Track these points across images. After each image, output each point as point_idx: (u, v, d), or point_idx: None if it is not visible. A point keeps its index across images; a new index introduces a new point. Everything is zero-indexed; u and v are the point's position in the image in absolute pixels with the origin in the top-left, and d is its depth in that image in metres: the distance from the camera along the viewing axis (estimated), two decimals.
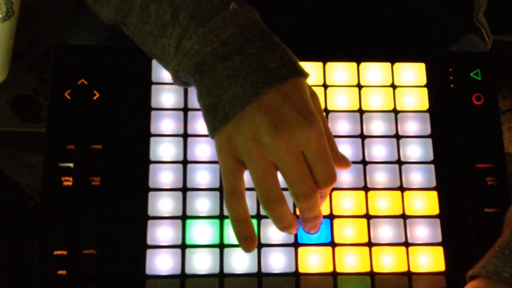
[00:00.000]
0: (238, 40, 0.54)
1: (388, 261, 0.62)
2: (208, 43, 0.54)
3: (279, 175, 0.54)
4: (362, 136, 0.66)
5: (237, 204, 0.55)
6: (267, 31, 0.56)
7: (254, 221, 0.62)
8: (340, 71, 0.67)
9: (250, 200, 0.62)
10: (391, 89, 0.67)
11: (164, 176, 0.63)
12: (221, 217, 0.62)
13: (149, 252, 0.60)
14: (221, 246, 0.61)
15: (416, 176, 0.65)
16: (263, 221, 0.62)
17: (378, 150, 0.65)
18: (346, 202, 0.63)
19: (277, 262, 0.61)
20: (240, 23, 0.54)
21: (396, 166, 0.65)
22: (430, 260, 0.62)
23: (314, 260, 0.61)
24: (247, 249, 0.55)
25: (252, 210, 0.62)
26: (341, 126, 0.66)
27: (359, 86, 0.67)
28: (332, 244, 0.62)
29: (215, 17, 0.54)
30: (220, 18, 0.54)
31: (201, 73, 0.54)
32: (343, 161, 0.59)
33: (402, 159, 0.65)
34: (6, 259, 1.26)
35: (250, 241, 0.55)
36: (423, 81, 0.68)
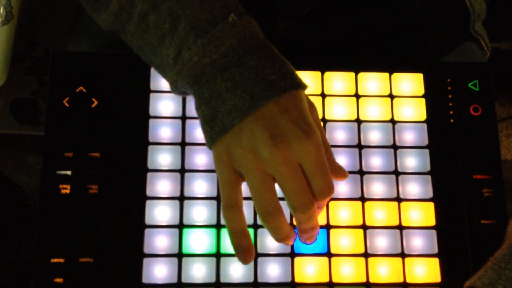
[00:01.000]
0: (237, 52, 0.54)
1: (384, 272, 0.62)
2: (208, 55, 0.54)
3: (277, 187, 0.54)
4: (360, 146, 0.66)
5: (235, 216, 0.55)
6: (266, 42, 0.56)
7: (251, 231, 0.62)
8: (338, 81, 0.68)
9: (247, 210, 0.62)
10: (388, 99, 0.68)
11: (161, 185, 0.63)
12: (218, 226, 0.62)
13: (146, 260, 0.61)
14: (218, 255, 0.61)
15: (413, 187, 0.65)
16: (259, 230, 0.62)
17: (375, 160, 0.65)
18: (342, 212, 0.64)
19: (273, 271, 0.61)
20: (239, 34, 0.54)
21: (393, 176, 0.65)
22: (426, 271, 0.62)
23: (310, 270, 0.62)
24: (245, 261, 0.55)
25: (248, 220, 0.62)
26: (338, 135, 0.66)
27: (357, 96, 0.67)
28: (329, 254, 0.62)
29: (215, 28, 0.54)
30: (219, 30, 0.54)
31: (199, 84, 0.55)
32: (340, 172, 0.59)
33: (399, 169, 0.65)
34: (4, 259, 1.27)
35: (248, 253, 0.55)
36: (421, 91, 0.68)
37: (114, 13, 0.59)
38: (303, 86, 0.55)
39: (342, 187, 0.64)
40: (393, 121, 0.67)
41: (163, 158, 0.64)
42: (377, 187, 0.65)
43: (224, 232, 0.62)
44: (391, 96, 0.68)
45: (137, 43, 0.59)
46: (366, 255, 0.63)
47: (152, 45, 0.57)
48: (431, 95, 0.68)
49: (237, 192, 0.55)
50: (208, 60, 0.54)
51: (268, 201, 0.54)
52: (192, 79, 0.55)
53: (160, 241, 0.61)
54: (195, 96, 0.56)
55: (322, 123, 0.66)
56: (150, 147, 0.64)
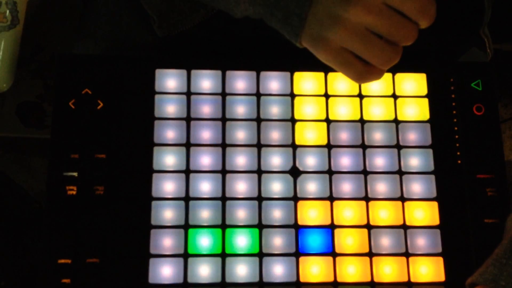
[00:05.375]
0: None
1: (389, 271, 0.63)
2: None
3: None
4: (363, 146, 0.66)
5: (372, 76, 0.56)
6: None
7: (255, 231, 0.62)
8: (342, 81, 0.68)
9: (250, 207, 0.63)
10: (392, 99, 0.68)
11: (167, 186, 0.63)
12: (223, 227, 0.62)
13: (152, 261, 0.61)
14: (223, 255, 0.62)
15: (417, 187, 0.65)
16: (264, 230, 0.63)
17: (379, 160, 0.66)
18: (347, 212, 0.64)
19: (278, 271, 0.62)
20: None
21: (397, 176, 0.65)
22: (430, 270, 0.63)
23: (315, 270, 0.62)
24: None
25: (252, 219, 0.63)
26: (342, 136, 0.66)
27: (361, 96, 0.68)
28: (333, 253, 0.63)
29: None
30: None
31: None
32: None
33: (403, 169, 0.66)
34: (10, 262, 1.27)
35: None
36: (424, 91, 0.68)
37: None
38: None
39: (346, 187, 0.65)
40: (396, 121, 0.67)
41: (168, 159, 0.64)
42: (381, 186, 0.65)
43: (229, 232, 0.62)
44: (395, 96, 0.68)
45: None
46: (370, 254, 0.63)
47: None
48: (434, 95, 0.68)
49: (354, 60, 0.55)
50: None
51: (378, 49, 0.54)
52: None
53: (166, 242, 0.62)
54: (261, 9, 0.56)
55: (325, 124, 0.66)
56: (155, 148, 0.64)
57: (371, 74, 0.56)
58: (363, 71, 0.56)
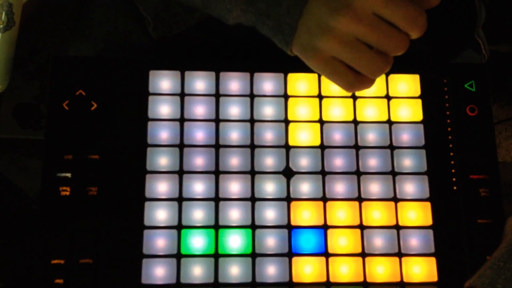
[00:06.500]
0: None
1: (381, 271, 0.63)
2: None
3: None
4: (357, 147, 0.66)
5: (364, 84, 0.56)
6: None
7: (249, 231, 0.63)
8: None
9: (244, 209, 0.63)
10: (385, 100, 0.68)
11: (160, 186, 0.64)
12: (216, 227, 0.63)
13: (145, 261, 0.61)
14: (216, 255, 0.62)
15: (410, 187, 0.65)
16: (257, 231, 0.63)
17: (372, 161, 0.66)
18: (340, 212, 0.64)
19: (271, 271, 0.62)
20: None
21: (390, 176, 0.65)
22: (423, 270, 0.63)
23: (308, 270, 0.62)
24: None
25: (246, 220, 0.63)
26: (335, 136, 0.67)
27: (354, 97, 0.68)
28: (326, 254, 0.63)
29: None
30: None
31: (253, 2, 0.56)
32: None
33: (396, 170, 0.66)
34: (8, 263, 1.27)
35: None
36: (417, 92, 0.69)
37: None
38: None
39: (339, 188, 0.65)
40: (389, 122, 0.67)
41: (161, 160, 0.64)
42: (374, 187, 0.65)
43: (222, 233, 0.62)
44: (388, 97, 0.68)
45: None
46: (363, 254, 0.63)
47: None
48: (427, 96, 0.68)
49: (344, 69, 0.56)
50: None
51: (368, 59, 0.54)
52: (244, 2, 0.56)
53: (159, 242, 0.62)
54: (253, 17, 0.57)
55: (319, 124, 0.67)
56: (149, 149, 0.65)
57: (361, 84, 0.57)
58: (353, 80, 0.56)
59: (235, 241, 0.62)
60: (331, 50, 0.55)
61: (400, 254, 0.63)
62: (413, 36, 0.54)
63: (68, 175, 0.63)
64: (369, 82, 0.57)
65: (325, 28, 0.54)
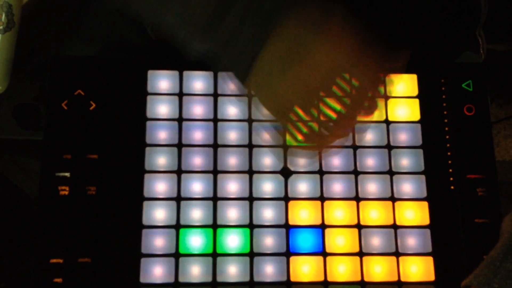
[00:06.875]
0: None
1: (379, 271, 0.63)
2: None
3: None
4: (354, 147, 0.66)
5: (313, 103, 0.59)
6: None
7: (247, 231, 0.63)
8: None
9: (242, 209, 0.63)
10: (383, 99, 0.68)
11: (158, 186, 0.64)
12: (214, 227, 0.63)
13: (143, 260, 0.62)
14: (214, 255, 0.62)
15: (407, 186, 0.65)
16: (255, 230, 0.63)
17: (370, 161, 0.66)
18: (337, 211, 0.64)
19: (269, 271, 0.62)
20: None
21: (388, 176, 0.66)
22: (420, 269, 0.63)
23: (305, 269, 0.62)
24: None
25: (245, 219, 0.63)
26: None
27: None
28: (324, 253, 0.63)
29: None
30: None
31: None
32: None
33: (393, 169, 0.66)
34: (8, 263, 1.27)
35: None
36: (415, 91, 0.69)
37: None
38: None
39: (337, 187, 0.65)
40: (387, 122, 0.68)
41: (160, 159, 0.65)
42: (372, 187, 0.65)
43: (220, 232, 0.63)
44: (385, 97, 0.68)
45: None
46: (361, 254, 0.63)
47: None
48: (425, 96, 0.69)
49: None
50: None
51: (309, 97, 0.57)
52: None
53: (157, 241, 0.62)
54: (214, 47, 0.58)
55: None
56: (147, 149, 0.65)
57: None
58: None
59: (233, 240, 0.63)
60: None
61: (397, 254, 0.63)
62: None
63: (67, 174, 0.63)
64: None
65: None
